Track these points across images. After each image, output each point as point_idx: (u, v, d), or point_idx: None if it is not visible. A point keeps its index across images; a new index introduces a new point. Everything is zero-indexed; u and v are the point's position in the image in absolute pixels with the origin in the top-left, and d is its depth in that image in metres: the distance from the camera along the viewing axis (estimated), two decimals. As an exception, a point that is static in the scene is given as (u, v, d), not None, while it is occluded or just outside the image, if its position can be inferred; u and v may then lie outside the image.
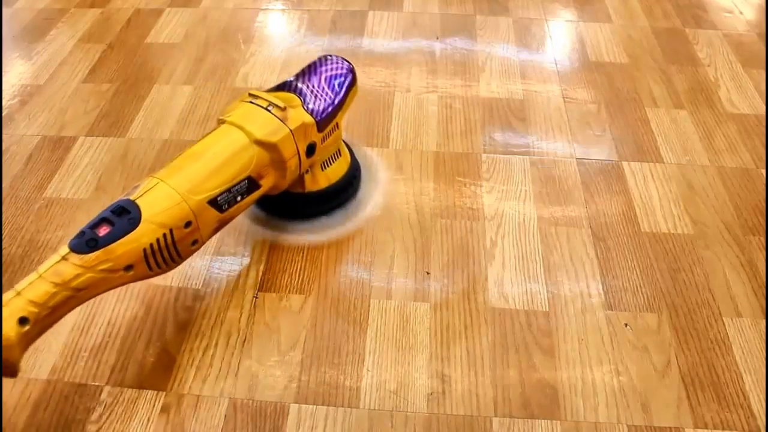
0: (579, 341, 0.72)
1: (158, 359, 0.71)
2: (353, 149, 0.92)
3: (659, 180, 0.92)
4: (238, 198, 0.71)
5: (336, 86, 0.81)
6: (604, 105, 1.06)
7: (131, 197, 0.63)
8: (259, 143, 0.72)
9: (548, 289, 0.77)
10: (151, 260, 0.63)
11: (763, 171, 0.94)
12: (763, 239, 0.84)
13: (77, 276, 0.58)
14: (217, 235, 0.84)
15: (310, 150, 0.77)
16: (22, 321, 0.54)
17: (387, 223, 0.86)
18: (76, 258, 0.58)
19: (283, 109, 0.74)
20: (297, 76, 0.82)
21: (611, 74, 1.13)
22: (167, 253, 0.64)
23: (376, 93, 1.09)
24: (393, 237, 0.84)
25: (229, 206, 0.70)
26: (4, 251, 0.83)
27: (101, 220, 0.61)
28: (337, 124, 0.81)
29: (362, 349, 0.71)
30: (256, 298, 0.77)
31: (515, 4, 1.33)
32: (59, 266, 0.58)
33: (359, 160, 0.92)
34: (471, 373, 0.69)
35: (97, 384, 0.68)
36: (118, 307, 0.76)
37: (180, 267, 0.80)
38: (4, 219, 0.87)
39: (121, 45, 1.22)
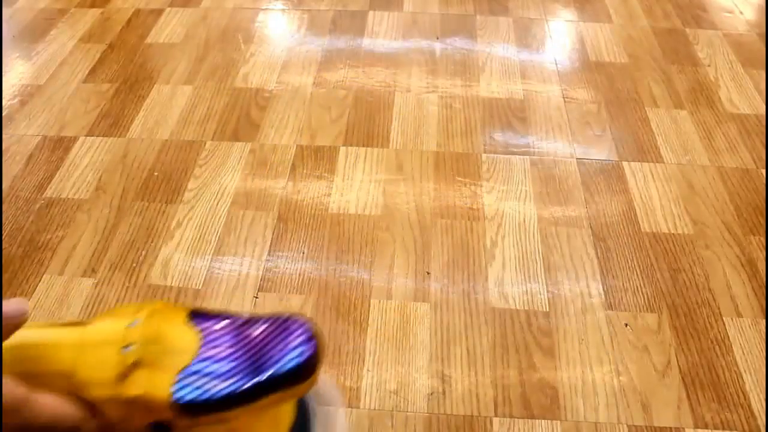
0: (579, 341, 0.72)
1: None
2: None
3: (659, 180, 0.92)
4: None
5: (262, 367, 0.44)
6: (604, 105, 1.06)
7: None
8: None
9: (548, 289, 0.77)
10: None
11: (763, 171, 0.94)
12: (763, 239, 0.84)
13: None
14: (218, 234, 0.84)
15: (159, 428, 0.45)
16: None
17: (387, 224, 0.86)
18: None
19: (134, 365, 0.44)
20: (240, 321, 0.45)
21: (611, 74, 1.13)
22: None
23: (376, 93, 1.09)
24: (393, 237, 0.84)
25: None
26: (4, 251, 0.83)
27: None
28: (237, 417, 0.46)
29: (362, 349, 0.71)
30: (256, 298, 0.77)
31: (515, 4, 1.33)
32: None
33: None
34: (471, 373, 0.69)
35: (97, 384, 0.68)
36: (119, 307, 0.76)
37: (180, 267, 0.80)
38: (4, 219, 0.87)
39: (121, 45, 1.22)
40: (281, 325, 0.46)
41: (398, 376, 0.69)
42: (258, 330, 0.45)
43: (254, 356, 0.44)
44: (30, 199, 0.90)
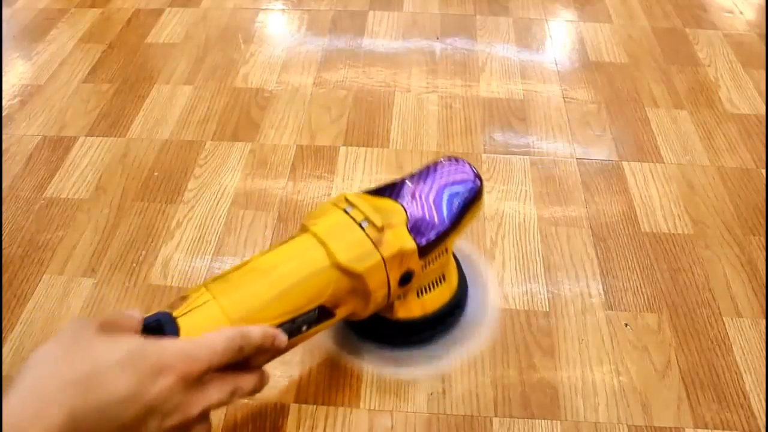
0: (579, 341, 0.72)
1: (158, 359, 0.71)
2: (462, 259, 0.76)
3: (659, 180, 0.92)
4: (303, 328, 0.56)
5: (454, 201, 0.64)
6: (604, 105, 1.06)
7: (174, 312, 0.51)
8: (341, 269, 0.56)
9: (548, 289, 0.77)
10: None
11: (763, 171, 0.94)
12: (763, 239, 0.84)
13: None
14: (218, 234, 0.84)
15: (405, 279, 0.60)
16: None
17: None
18: None
19: (380, 230, 0.58)
20: (409, 180, 0.66)
21: (611, 74, 1.13)
22: None
23: (376, 93, 1.09)
24: (393, 237, 0.84)
25: (290, 337, 0.55)
26: (4, 251, 0.83)
27: None
28: (446, 248, 0.65)
29: (362, 349, 0.71)
30: (256, 298, 0.77)
31: (515, 4, 1.33)
32: None
33: (466, 272, 0.76)
34: (471, 373, 0.69)
35: (97, 384, 0.68)
36: (119, 307, 0.76)
37: (180, 267, 0.80)
38: (4, 219, 0.87)
39: (121, 45, 1.22)
40: (443, 168, 0.66)
41: (398, 376, 0.69)
42: (431, 181, 0.65)
43: (439, 200, 0.63)
44: (30, 199, 0.90)
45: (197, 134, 1.01)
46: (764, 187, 0.91)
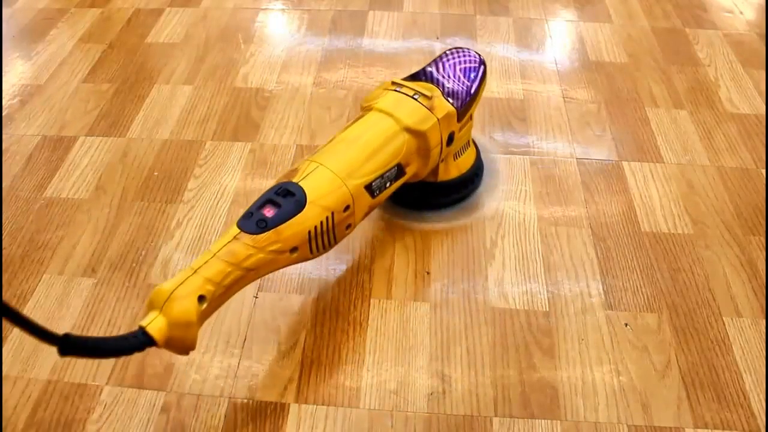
0: (579, 341, 0.72)
1: (158, 359, 0.71)
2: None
3: (659, 180, 0.92)
4: (388, 184, 0.72)
5: (471, 76, 0.82)
6: (604, 105, 1.06)
7: (294, 179, 0.64)
8: (409, 131, 0.73)
9: (548, 289, 0.77)
10: (314, 243, 0.64)
11: (763, 171, 0.94)
12: (763, 239, 0.84)
13: (249, 256, 0.58)
14: (218, 234, 0.84)
15: (450, 139, 0.78)
16: (201, 299, 0.55)
17: (387, 223, 0.86)
18: (248, 238, 0.59)
19: (430, 98, 0.75)
20: (430, 66, 0.82)
21: (611, 74, 1.13)
22: (327, 236, 0.65)
23: (376, 93, 1.09)
24: (393, 237, 0.84)
25: (380, 192, 0.71)
26: (4, 251, 0.83)
27: (266, 201, 0.62)
28: (470, 115, 0.82)
29: (362, 349, 0.71)
30: (256, 297, 0.77)
31: (515, 4, 1.33)
32: (232, 246, 0.58)
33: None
34: (471, 373, 0.69)
35: (97, 384, 0.68)
36: (119, 307, 0.76)
37: (180, 266, 0.80)
38: (4, 219, 0.87)
39: (121, 45, 1.22)
40: (455, 55, 0.84)
41: (398, 376, 0.69)
42: (448, 65, 0.83)
43: (460, 76, 0.81)
44: (30, 199, 0.90)
45: (197, 134, 1.01)
46: (764, 187, 0.91)
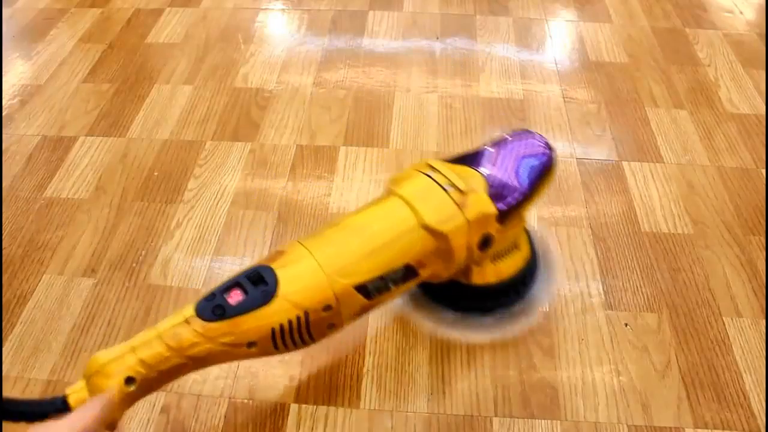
0: (579, 341, 0.72)
1: (158, 359, 0.71)
2: (532, 234, 0.79)
3: (659, 180, 0.92)
4: (390, 285, 0.60)
5: (530, 170, 0.67)
6: (604, 105, 1.06)
7: (272, 264, 0.55)
8: (428, 229, 0.60)
9: (548, 289, 0.77)
10: (279, 340, 0.55)
11: (763, 171, 0.94)
12: (763, 239, 0.84)
13: (194, 344, 0.51)
14: (218, 234, 0.84)
15: (485, 243, 0.64)
16: (129, 381, 0.50)
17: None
18: (198, 324, 0.52)
19: (463, 193, 0.62)
20: (487, 149, 0.69)
21: (611, 74, 1.13)
22: (297, 335, 0.56)
23: (376, 93, 1.09)
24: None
25: (379, 293, 0.59)
26: (4, 251, 0.83)
27: (234, 284, 0.54)
28: (522, 215, 0.69)
29: (362, 349, 0.71)
30: (256, 298, 0.77)
31: (515, 4, 1.33)
32: (179, 329, 0.51)
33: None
34: (471, 373, 0.69)
35: (97, 384, 0.68)
36: (119, 307, 0.76)
37: (180, 267, 0.80)
38: (4, 219, 0.87)
39: (121, 45, 1.22)
40: (519, 140, 0.69)
41: (398, 376, 0.69)
42: (506, 151, 0.68)
43: (516, 168, 0.66)
44: (30, 198, 0.90)
45: (197, 134, 1.01)
46: (764, 187, 0.91)
